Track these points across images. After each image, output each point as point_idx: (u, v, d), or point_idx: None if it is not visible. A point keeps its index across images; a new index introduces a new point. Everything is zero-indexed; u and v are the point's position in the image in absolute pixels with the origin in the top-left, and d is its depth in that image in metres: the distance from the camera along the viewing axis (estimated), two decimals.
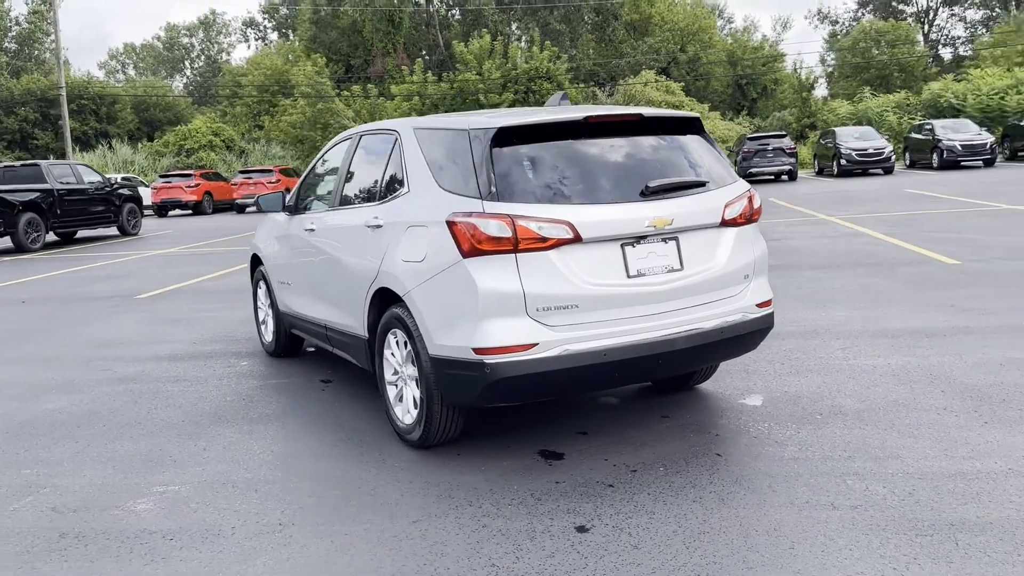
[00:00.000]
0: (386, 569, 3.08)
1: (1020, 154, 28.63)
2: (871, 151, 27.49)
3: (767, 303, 4.31)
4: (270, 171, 32.02)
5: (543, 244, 3.67)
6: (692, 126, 4.35)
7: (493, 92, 39.37)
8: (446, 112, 38.01)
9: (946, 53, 67.21)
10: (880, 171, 27.92)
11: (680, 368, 4.23)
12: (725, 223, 4.13)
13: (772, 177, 28.69)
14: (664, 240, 3.94)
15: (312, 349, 6.74)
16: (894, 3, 71.94)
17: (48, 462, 4.53)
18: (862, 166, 27.58)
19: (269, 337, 6.68)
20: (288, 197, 6.09)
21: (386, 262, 4.30)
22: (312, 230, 5.45)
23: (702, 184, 4.13)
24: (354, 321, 4.83)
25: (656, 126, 4.23)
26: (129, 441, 4.80)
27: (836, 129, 30.20)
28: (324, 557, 3.21)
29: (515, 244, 3.65)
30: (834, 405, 4.61)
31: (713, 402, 4.81)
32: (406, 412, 4.36)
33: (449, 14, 58.61)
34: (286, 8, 63.86)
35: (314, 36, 52.28)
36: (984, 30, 66.29)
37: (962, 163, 26.74)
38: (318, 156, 6.00)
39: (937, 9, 72.51)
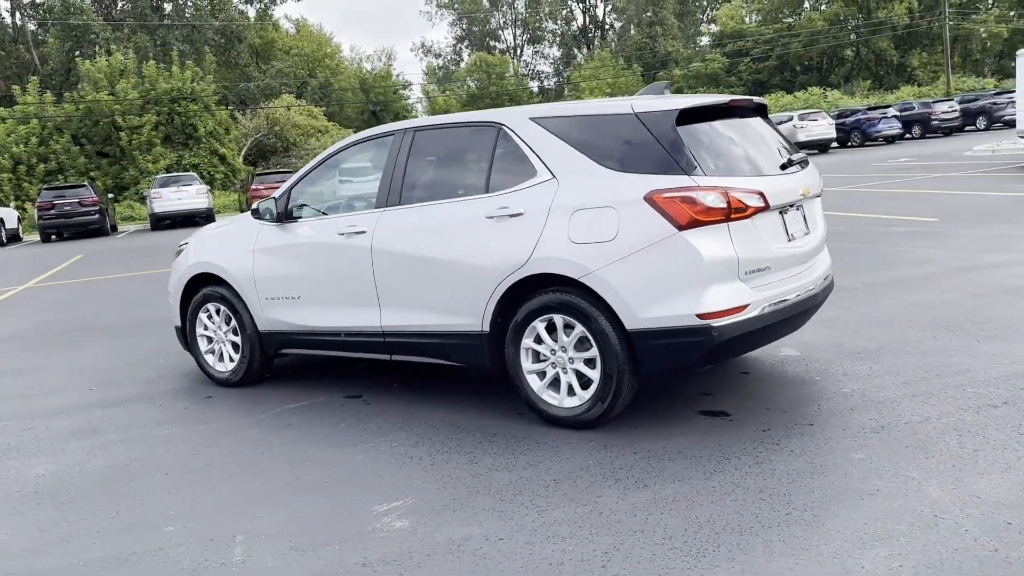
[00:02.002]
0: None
1: None
2: None
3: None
4: None
5: (745, 213, 4.07)
6: (766, 111, 5.02)
7: (132, 114, 36.04)
8: (76, 134, 34.29)
9: (533, 85, 75.56)
10: None
11: (809, 318, 4.84)
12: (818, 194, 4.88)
13: None
14: (796, 208, 4.56)
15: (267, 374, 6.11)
16: (487, 40, 79.69)
17: None
18: None
19: (227, 365, 5.95)
20: (270, 205, 5.53)
21: (543, 248, 4.31)
22: (362, 232, 5.07)
23: (807, 160, 4.83)
24: (461, 319, 4.68)
25: (757, 110, 4.83)
26: None
27: None
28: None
29: (727, 214, 4.00)
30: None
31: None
32: (566, 395, 4.40)
33: (39, 30, 52.08)
34: None
35: None
36: (564, 66, 76.40)
37: None
38: (318, 161, 5.55)
39: (523, 46, 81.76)
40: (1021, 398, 4.27)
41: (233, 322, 5.86)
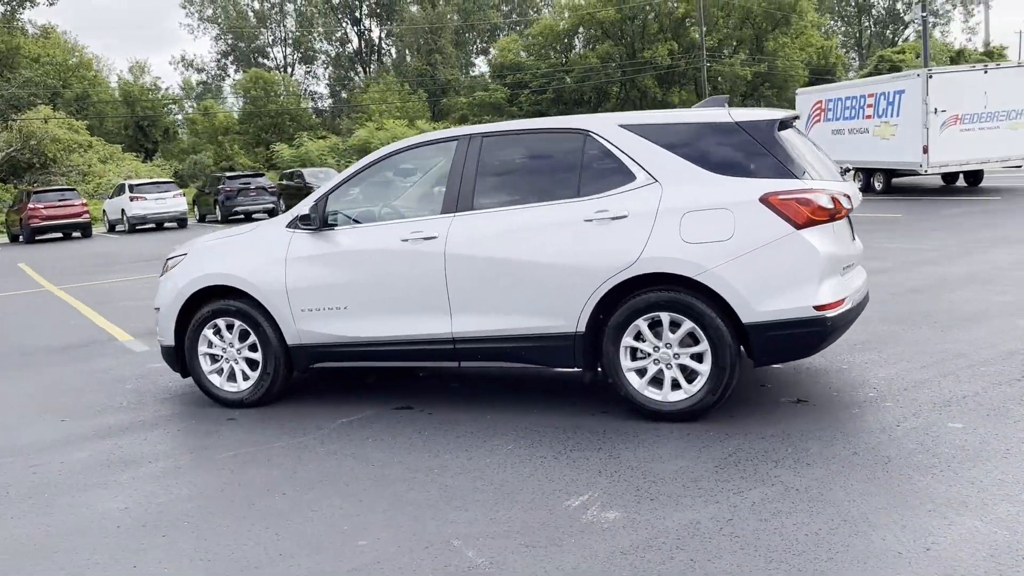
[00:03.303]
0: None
1: None
2: None
3: None
4: None
5: (841, 214, 4.55)
6: None
7: None
8: None
9: (307, 105, 73.80)
10: None
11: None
12: None
13: (263, 214, 28.91)
14: None
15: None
16: (256, 56, 77.01)
17: None
18: None
19: (240, 384, 5.53)
20: (308, 213, 5.26)
21: (653, 249, 4.52)
22: (432, 238, 4.96)
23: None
24: (553, 320, 4.76)
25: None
26: None
27: (303, 170, 31.93)
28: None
29: (832, 214, 4.46)
30: None
31: None
32: (670, 390, 4.62)
33: None
34: None
35: None
36: (341, 88, 75.65)
37: None
38: (358, 168, 5.36)
39: (295, 65, 79.93)
40: None
41: (252, 338, 5.45)
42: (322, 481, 4.17)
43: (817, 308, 4.39)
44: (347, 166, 37.43)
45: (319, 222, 5.26)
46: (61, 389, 6.42)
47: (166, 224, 27.79)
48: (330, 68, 79.99)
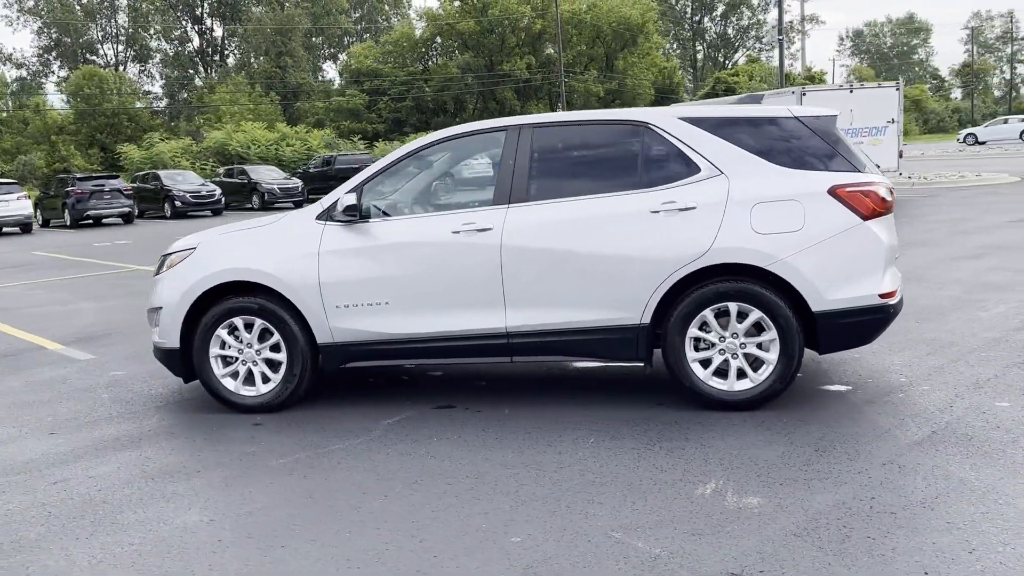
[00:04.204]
0: None
1: (312, 197, 33.08)
2: (204, 193, 28.33)
3: None
4: None
5: (893, 205, 4.77)
6: None
7: None
8: None
9: (140, 104, 69.46)
10: (209, 212, 28.85)
11: None
12: None
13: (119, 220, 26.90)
14: None
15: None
16: (83, 52, 71.95)
17: None
18: (196, 208, 28.21)
19: (260, 388, 5.13)
20: (346, 203, 4.95)
21: (724, 239, 4.57)
22: (486, 229, 4.78)
23: None
24: (616, 312, 4.72)
25: None
26: None
27: (159, 172, 30.05)
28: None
29: (889, 206, 4.68)
30: None
31: None
32: (735, 379, 4.68)
33: None
34: None
35: None
36: (180, 88, 71.90)
37: (191, 213, 28.41)
38: (395, 159, 5.10)
39: (127, 62, 75.30)
40: None
41: (274, 337, 5.05)
42: (418, 481, 3.93)
43: (881, 296, 4.59)
44: (204, 168, 35.98)
45: (360, 213, 4.96)
46: (17, 403, 5.69)
47: (5, 229, 25.29)
48: (167, 67, 75.83)
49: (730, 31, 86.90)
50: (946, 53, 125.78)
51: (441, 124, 52.78)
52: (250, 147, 38.82)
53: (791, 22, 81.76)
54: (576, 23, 55.43)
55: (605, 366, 5.70)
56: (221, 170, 33.60)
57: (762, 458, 4.00)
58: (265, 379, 5.14)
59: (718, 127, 4.80)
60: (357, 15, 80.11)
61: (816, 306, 4.56)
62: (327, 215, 5.06)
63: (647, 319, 4.71)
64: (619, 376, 5.58)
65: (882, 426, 4.36)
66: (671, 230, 4.65)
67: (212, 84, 63.15)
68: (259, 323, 5.08)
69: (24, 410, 5.49)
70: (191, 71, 73.94)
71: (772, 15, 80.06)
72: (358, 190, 5.02)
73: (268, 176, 30.45)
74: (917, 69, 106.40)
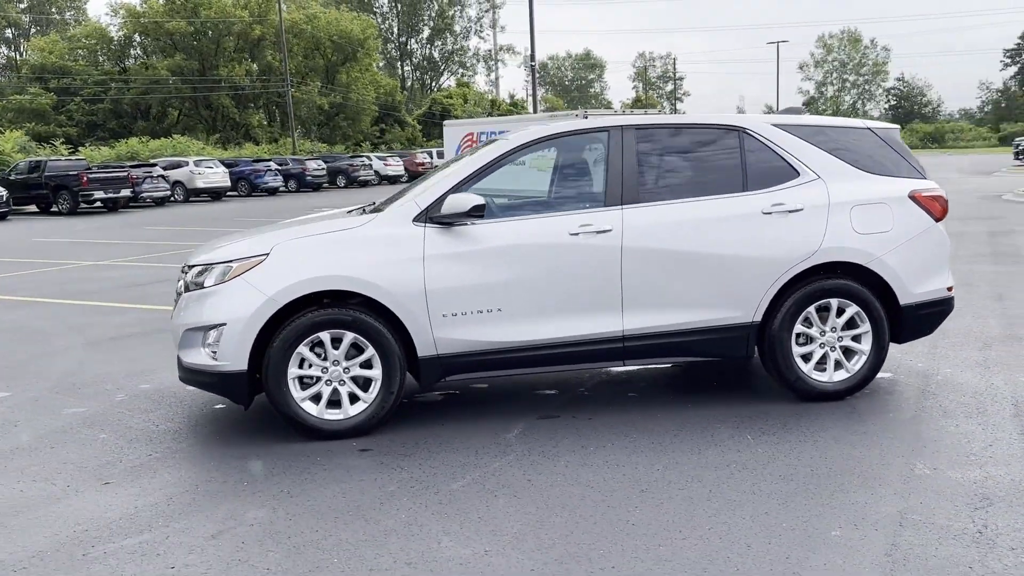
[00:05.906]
0: None
1: (16, 208, 28.58)
2: None
3: None
4: None
5: None
6: None
7: None
8: None
9: None
10: None
11: None
12: None
13: None
14: None
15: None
16: None
17: None
18: None
19: (348, 410, 4.47)
20: (461, 203, 4.50)
21: (832, 239, 4.83)
22: (605, 231, 4.60)
23: None
24: (730, 311, 4.79)
25: None
26: None
27: None
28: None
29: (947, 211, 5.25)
30: None
31: None
32: (833, 371, 4.96)
33: None
34: None
35: None
36: None
37: None
38: (495, 158, 4.72)
39: None
40: None
41: (366, 352, 4.42)
42: (645, 491, 3.66)
43: (948, 289, 5.13)
44: None
45: (467, 215, 4.51)
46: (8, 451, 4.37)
47: None
48: None
49: (436, 54, 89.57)
50: (618, 88, 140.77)
51: (144, 129, 48.20)
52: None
53: (489, 51, 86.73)
54: (296, 32, 53.78)
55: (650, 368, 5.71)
56: None
57: (901, 446, 4.28)
58: (352, 399, 4.47)
59: (809, 135, 5.06)
60: (24, 5, 70.72)
61: (904, 299, 4.98)
62: (425, 216, 4.54)
63: (759, 317, 4.82)
64: (664, 375, 5.61)
65: (958, 401, 4.86)
66: (783, 230, 4.82)
67: None
68: (349, 337, 4.41)
69: (27, 458, 4.22)
70: None
71: (474, 41, 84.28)
72: (462, 191, 4.57)
73: None
74: (594, 102, 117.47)
